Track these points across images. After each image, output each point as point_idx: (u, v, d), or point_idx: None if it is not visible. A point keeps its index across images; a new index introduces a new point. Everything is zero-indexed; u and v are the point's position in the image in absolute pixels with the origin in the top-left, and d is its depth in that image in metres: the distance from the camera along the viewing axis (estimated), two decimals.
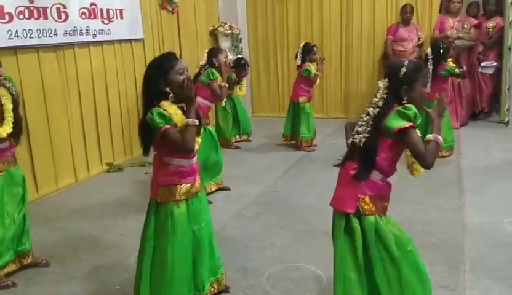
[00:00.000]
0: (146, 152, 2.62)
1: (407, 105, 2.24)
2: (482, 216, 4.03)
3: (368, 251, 2.34)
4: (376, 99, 2.30)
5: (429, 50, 5.53)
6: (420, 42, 7.40)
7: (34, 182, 4.78)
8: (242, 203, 4.54)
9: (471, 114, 7.56)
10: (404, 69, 2.27)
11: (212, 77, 4.46)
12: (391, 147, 2.29)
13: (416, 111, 2.23)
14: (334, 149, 6.14)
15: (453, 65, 5.51)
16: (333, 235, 2.46)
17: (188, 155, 2.56)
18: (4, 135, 3.09)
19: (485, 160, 5.59)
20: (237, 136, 6.84)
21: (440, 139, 2.26)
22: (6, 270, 3.26)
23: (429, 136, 2.27)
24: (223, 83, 4.47)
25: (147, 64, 6.63)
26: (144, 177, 5.45)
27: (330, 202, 2.47)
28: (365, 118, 2.31)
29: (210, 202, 4.39)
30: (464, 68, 5.62)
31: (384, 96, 2.29)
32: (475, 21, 7.28)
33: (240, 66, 6.51)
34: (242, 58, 6.85)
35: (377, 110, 2.28)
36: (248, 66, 6.79)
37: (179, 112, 2.49)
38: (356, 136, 2.32)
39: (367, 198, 2.32)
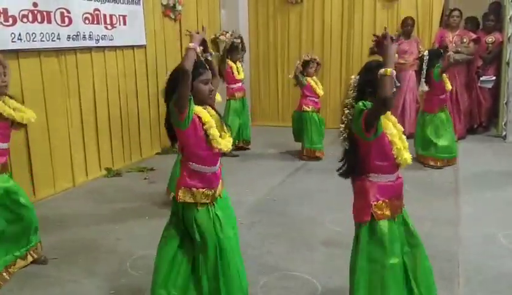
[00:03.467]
0: (174, 143, 2.66)
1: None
2: (478, 229, 4.05)
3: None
4: (348, 99, 2.38)
5: (426, 52, 5.71)
6: (420, 55, 7.43)
7: (32, 186, 4.80)
8: (238, 211, 4.48)
9: (469, 127, 7.60)
10: (373, 72, 2.28)
11: None
12: (371, 146, 2.33)
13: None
14: (332, 159, 6.14)
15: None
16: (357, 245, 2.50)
17: (209, 163, 2.55)
18: (30, 117, 3.28)
19: (482, 174, 5.61)
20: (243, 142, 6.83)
21: (388, 69, 2.17)
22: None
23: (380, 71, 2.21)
24: None
25: (148, 70, 6.71)
26: (142, 182, 5.48)
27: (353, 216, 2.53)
28: (344, 121, 2.39)
29: None
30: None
31: (355, 94, 2.37)
32: (474, 36, 7.33)
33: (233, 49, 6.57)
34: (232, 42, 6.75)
35: (352, 110, 2.35)
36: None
37: (204, 110, 2.51)
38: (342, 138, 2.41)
39: (380, 203, 2.37)
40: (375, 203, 2.37)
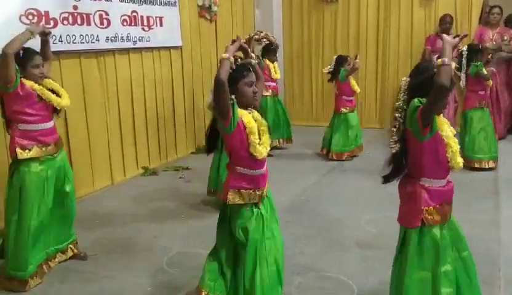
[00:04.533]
0: (209, 151, 2.75)
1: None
2: None
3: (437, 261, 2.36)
4: (399, 103, 2.33)
5: (465, 48, 5.55)
6: (459, 53, 7.26)
7: None
8: None
9: (509, 127, 7.39)
10: (427, 74, 2.25)
11: None
12: (424, 148, 2.28)
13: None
14: (367, 159, 6.09)
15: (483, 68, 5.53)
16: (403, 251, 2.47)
17: (255, 166, 2.56)
18: (66, 105, 3.35)
19: None
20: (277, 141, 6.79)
21: (446, 59, 2.12)
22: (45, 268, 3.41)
23: (438, 61, 2.15)
24: None
25: (184, 71, 6.78)
26: (178, 181, 5.55)
27: (398, 219, 2.49)
28: (395, 125, 2.35)
29: None
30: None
31: (406, 97, 2.31)
32: None
33: (271, 50, 6.73)
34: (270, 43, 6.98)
35: (404, 113, 2.31)
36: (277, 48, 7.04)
37: (247, 113, 2.53)
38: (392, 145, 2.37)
39: (431, 209, 2.33)
40: (426, 208, 2.32)
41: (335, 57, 6.32)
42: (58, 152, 3.39)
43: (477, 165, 5.59)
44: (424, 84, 2.24)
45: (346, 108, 6.20)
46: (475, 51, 5.54)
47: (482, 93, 5.62)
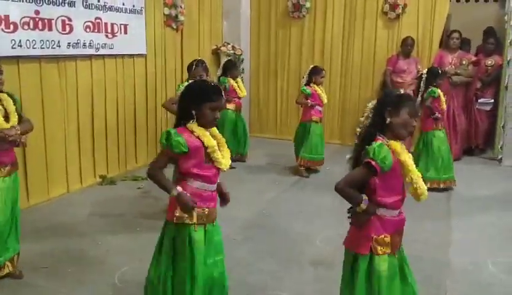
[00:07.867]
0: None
1: (372, 145, 2.27)
2: (468, 255, 4.04)
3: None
4: (362, 118, 2.43)
5: (425, 71, 5.75)
6: (419, 75, 7.46)
7: (26, 191, 4.80)
8: (231, 226, 4.52)
9: (466, 148, 7.62)
10: (393, 93, 2.42)
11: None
12: (379, 179, 2.32)
13: (378, 150, 2.24)
14: (328, 175, 6.16)
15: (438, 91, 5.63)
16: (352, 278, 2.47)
17: (209, 181, 2.57)
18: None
19: (476, 197, 5.60)
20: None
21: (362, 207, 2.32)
22: None
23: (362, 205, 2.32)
24: None
25: (148, 79, 6.71)
26: (136, 192, 5.48)
27: (344, 242, 2.51)
28: (356, 141, 2.43)
29: None
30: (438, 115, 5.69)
31: (370, 115, 2.40)
32: (473, 58, 7.38)
33: (232, 66, 6.71)
34: (230, 59, 7.08)
35: (364, 129, 2.40)
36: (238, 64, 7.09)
37: (207, 133, 2.55)
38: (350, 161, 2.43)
39: (381, 238, 2.35)
40: (376, 236, 2.34)
41: (310, 67, 6.36)
42: (13, 174, 3.33)
43: (434, 185, 5.69)
44: (387, 104, 2.35)
45: (316, 116, 6.20)
46: (434, 75, 5.67)
47: (434, 116, 5.73)
